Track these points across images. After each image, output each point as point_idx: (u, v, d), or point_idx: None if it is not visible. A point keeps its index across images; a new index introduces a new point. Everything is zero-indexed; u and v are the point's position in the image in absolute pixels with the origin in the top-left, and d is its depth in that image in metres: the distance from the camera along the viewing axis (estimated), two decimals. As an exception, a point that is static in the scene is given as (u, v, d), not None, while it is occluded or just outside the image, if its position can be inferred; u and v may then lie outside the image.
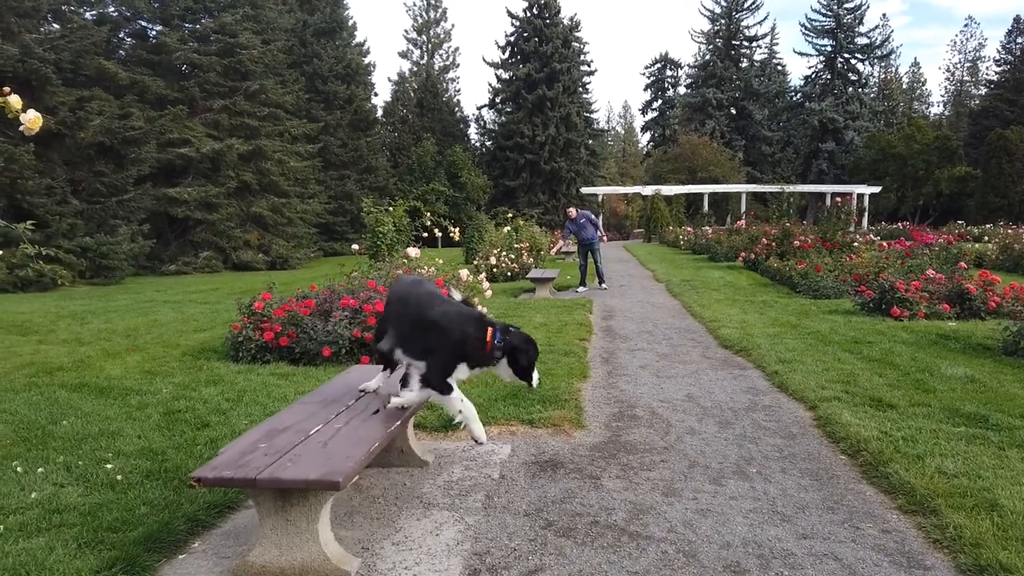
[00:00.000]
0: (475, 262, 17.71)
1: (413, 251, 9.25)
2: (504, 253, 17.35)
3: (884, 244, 18.09)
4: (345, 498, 3.43)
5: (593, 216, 14.47)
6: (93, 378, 6.12)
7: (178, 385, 5.86)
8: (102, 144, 20.50)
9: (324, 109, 37.76)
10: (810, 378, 5.73)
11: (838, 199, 16.99)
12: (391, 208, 14.45)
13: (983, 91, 66.93)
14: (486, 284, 9.72)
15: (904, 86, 72.93)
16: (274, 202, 28.74)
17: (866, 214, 44.99)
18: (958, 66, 70.12)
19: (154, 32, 26.82)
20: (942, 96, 71.95)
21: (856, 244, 16.76)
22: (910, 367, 6.04)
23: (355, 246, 13.19)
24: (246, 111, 27.60)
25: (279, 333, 6.89)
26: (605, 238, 15.02)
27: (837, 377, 5.75)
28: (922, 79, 75.98)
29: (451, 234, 14.26)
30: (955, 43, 70.79)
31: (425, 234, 14.19)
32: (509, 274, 16.88)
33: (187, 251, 26.92)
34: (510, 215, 19.87)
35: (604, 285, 14.23)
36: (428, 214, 14.35)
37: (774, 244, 16.98)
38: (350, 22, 59.02)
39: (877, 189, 47.49)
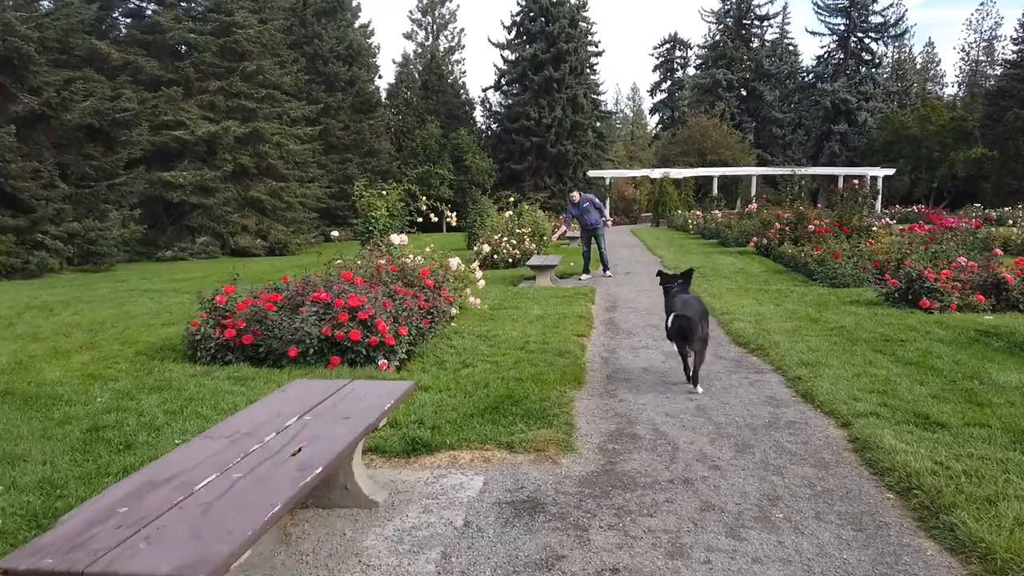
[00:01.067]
0: (475, 248, 16.99)
1: (398, 238, 8.50)
2: (505, 238, 16.60)
3: (903, 228, 17.23)
4: (266, 553, 2.73)
5: (597, 200, 13.66)
6: (24, 384, 5.43)
7: (118, 392, 5.17)
8: (91, 126, 19.76)
9: (325, 91, 36.93)
10: (839, 386, 4.97)
11: (854, 181, 16.09)
12: (385, 192, 13.74)
13: (999, 71, 65.36)
14: (478, 273, 8.99)
15: (918, 66, 71.26)
16: (272, 186, 28.02)
17: (879, 197, 43.84)
18: (973, 45, 68.42)
19: (149, 11, 26.02)
20: (957, 76, 70.34)
21: (875, 229, 15.89)
22: (955, 373, 5.26)
23: (335, 232, 12.49)
24: (243, 92, 26.81)
25: (241, 331, 6.17)
26: (610, 223, 14.22)
27: (871, 385, 4.99)
28: (936, 59, 74.36)
29: (448, 219, 13.51)
30: (970, 22, 69.23)
31: (420, 219, 13.48)
32: (510, 260, 16.14)
33: (184, 237, 26.29)
34: (512, 199, 19.07)
35: (608, 272, 13.48)
36: (424, 198, 13.61)
37: (788, 229, 16.14)
38: (354, 3, 58.47)
39: (891, 172, 46.26)
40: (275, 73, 28.30)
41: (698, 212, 30.11)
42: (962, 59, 68.84)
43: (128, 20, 25.66)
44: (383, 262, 7.43)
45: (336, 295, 6.27)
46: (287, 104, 29.29)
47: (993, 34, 68.16)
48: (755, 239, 16.46)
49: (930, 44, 75.61)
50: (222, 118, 26.28)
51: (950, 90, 70.59)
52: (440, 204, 13.36)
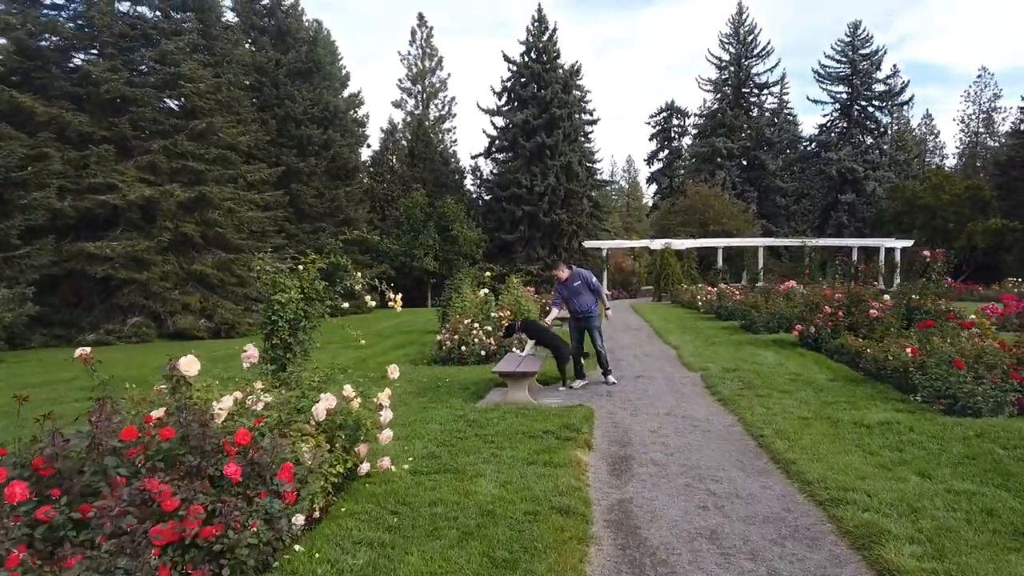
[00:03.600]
0: (438, 337, 13.26)
1: (188, 362, 4.80)
2: (476, 325, 12.90)
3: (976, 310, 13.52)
4: None
5: (593, 277, 9.90)
6: None
7: None
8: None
9: (296, 155, 33.92)
10: None
11: (924, 253, 12.53)
12: (303, 266, 10.06)
13: (1001, 142, 63.51)
14: (386, 415, 5.16)
15: (917, 138, 69.46)
16: (221, 258, 24.45)
17: (897, 270, 40.54)
18: (972, 117, 66.74)
19: (80, 60, 23.04)
20: (957, 148, 68.33)
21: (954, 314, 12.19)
22: None
23: (203, 321, 8.76)
24: (190, 152, 23.56)
25: None
26: (609, 313, 10.39)
27: None
28: (935, 131, 72.71)
29: (390, 301, 9.77)
30: (968, 94, 67.41)
31: (346, 304, 9.78)
32: (483, 354, 12.42)
33: (113, 317, 22.55)
34: (489, 272, 15.39)
35: (611, 378, 9.71)
36: (358, 274, 9.86)
37: (841, 313, 12.48)
38: (343, 72, 56.54)
39: (909, 243, 43.13)
40: (230, 133, 25.14)
41: (709, 287, 26.52)
42: (962, 131, 67.06)
43: (55, 70, 22.50)
44: (157, 414, 3.65)
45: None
46: (243, 167, 26.03)
47: (992, 106, 66.59)
48: (798, 326, 12.73)
49: (928, 116, 74.15)
50: (164, 181, 22.96)
51: (950, 161, 68.65)
52: (380, 283, 9.67)
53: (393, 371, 5.02)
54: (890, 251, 42.55)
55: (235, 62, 26.91)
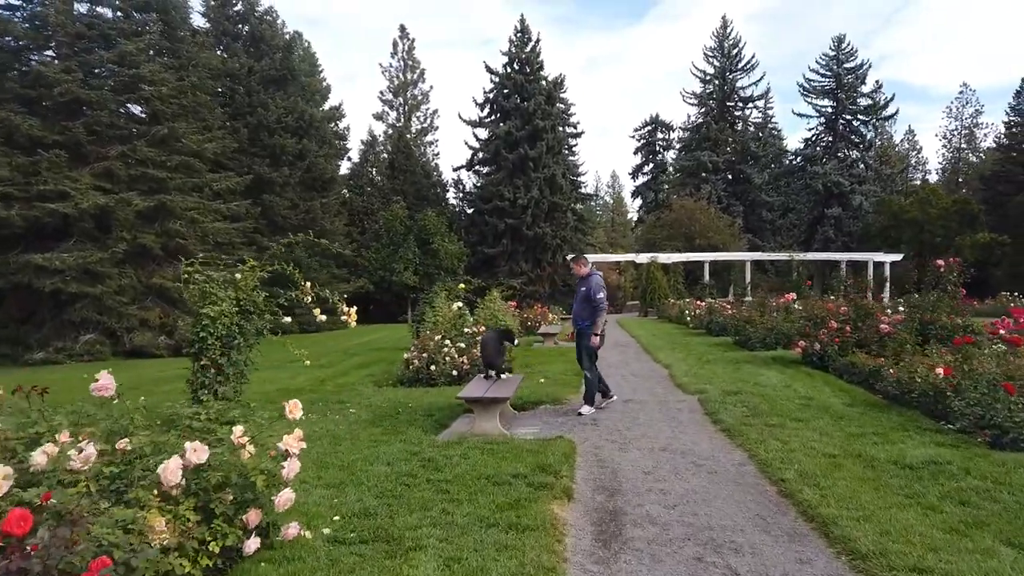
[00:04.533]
0: (405, 355, 11.98)
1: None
2: (448, 342, 11.64)
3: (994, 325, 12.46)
4: None
5: (600, 292, 8.19)
6: None
7: None
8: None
9: (270, 164, 32.57)
10: None
11: (941, 263, 11.44)
12: (241, 274, 8.82)
13: (981, 158, 63.49)
14: (290, 465, 3.86)
15: (900, 154, 69.29)
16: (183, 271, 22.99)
17: (887, 284, 39.77)
18: (955, 133, 66.73)
19: (33, 61, 21.68)
20: (940, 164, 68.28)
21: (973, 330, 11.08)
22: None
23: (163, 338, 7.54)
24: (150, 159, 22.20)
25: None
26: (596, 340, 8.25)
27: None
28: (917, 146, 72.64)
29: (345, 316, 8.50)
30: (950, 110, 67.33)
31: (288, 318, 8.53)
32: (455, 373, 11.16)
33: (65, 334, 21.04)
34: (463, 284, 14.13)
35: (604, 403, 8.47)
36: (308, 284, 8.65)
37: (848, 328, 11.36)
38: (323, 84, 55.34)
39: (898, 257, 42.49)
40: (195, 139, 23.81)
41: (699, 301, 25.44)
42: (944, 147, 67.04)
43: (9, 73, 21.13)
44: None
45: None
46: (209, 175, 24.68)
47: (974, 121, 66.64)
48: (801, 343, 11.58)
49: (911, 132, 73.96)
50: (122, 189, 21.57)
51: (933, 176, 68.53)
52: (332, 296, 8.43)
53: (294, 409, 3.75)
54: (879, 265, 41.90)
55: (202, 66, 25.61)
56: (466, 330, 12.03)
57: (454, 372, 11.21)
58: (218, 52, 32.68)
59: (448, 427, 7.49)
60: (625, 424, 7.45)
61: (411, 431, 7.13)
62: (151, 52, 22.47)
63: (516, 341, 9.52)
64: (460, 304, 13.16)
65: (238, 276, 8.66)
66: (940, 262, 11.57)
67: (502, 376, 8.15)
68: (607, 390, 8.69)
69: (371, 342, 20.28)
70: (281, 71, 33.98)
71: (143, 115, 22.96)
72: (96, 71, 22.11)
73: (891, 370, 8.27)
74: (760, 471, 5.39)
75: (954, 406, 6.74)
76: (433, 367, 11.25)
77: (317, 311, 8.34)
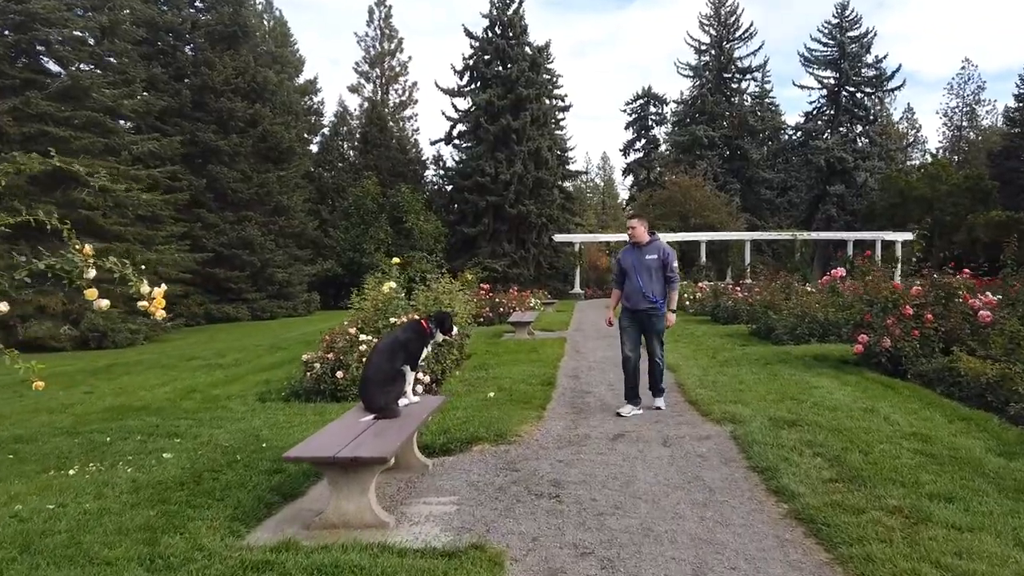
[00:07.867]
0: (304, 357, 8.57)
1: None
2: (364, 336, 8.24)
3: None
4: None
5: (666, 250, 6.69)
6: None
7: None
8: None
9: (216, 131, 28.87)
10: None
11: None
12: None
13: (981, 136, 60.55)
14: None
15: (900, 132, 66.11)
16: (94, 248, 19.46)
17: (899, 264, 36.51)
18: (956, 111, 63.61)
19: None
20: (940, 142, 65.21)
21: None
22: None
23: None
24: (49, 115, 18.57)
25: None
26: (672, 317, 6.80)
27: None
28: (916, 124, 69.33)
29: (146, 305, 5.04)
30: (951, 86, 64.21)
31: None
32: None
33: (-56, 323, 17.47)
34: (399, 260, 10.64)
35: (630, 411, 6.45)
36: (87, 248, 4.99)
37: (929, 315, 8.02)
38: (296, 55, 51.47)
39: (911, 236, 39.27)
40: (109, 94, 20.13)
41: (702, 284, 22.11)
42: (945, 124, 63.94)
43: None
44: None
45: None
46: (127, 137, 21.03)
47: (976, 98, 63.54)
48: (863, 336, 8.20)
49: (910, 110, 70.50)
50: (12, 148, 17.95)
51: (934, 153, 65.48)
52: (124, 268, 4.93)
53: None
54: (888, 244, 38.80)
55: (121, 9, 21.85)
56: (392, 319, 8.63)
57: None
58: (158, 5, 28.88)
59: (294, 500, 4.12)
60: (610, 500, 4.06)
61: (206, 523, 3.73)
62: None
63: (455, 331, 6.37)
64: (393, 285, 9.74)
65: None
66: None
67: (403, 402, 4.75)
68: (636, 396, 6.71)
69: (309, 334, 16.80)
70: (230, 27, 30.17)
71: (43, 63, 19.28)
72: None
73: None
74: None
75: None
76: (340, 373, 7.87)
77: (94, 294, 4.81)
